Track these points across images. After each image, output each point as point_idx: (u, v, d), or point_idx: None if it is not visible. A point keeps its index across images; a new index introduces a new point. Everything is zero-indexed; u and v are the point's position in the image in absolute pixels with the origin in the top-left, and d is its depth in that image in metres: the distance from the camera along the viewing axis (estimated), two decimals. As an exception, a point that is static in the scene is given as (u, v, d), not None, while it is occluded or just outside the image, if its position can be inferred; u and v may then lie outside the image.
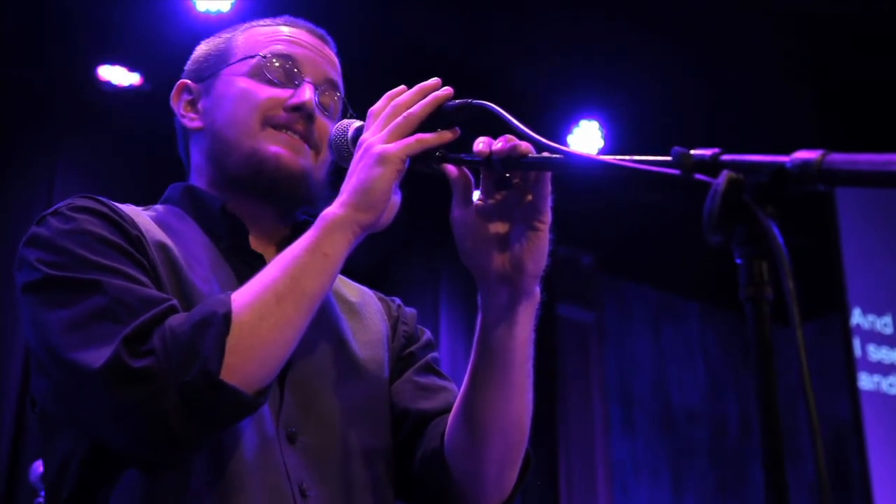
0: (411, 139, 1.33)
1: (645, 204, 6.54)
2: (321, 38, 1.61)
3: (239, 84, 1.52)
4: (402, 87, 1.39)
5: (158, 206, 1.54)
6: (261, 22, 1.62)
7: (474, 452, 1.44)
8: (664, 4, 5.33)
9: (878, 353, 6.62)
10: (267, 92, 1.51)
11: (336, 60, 1.61)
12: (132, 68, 5.14)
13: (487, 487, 1.46)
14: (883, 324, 6.71)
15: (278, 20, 1.62)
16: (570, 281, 6.71)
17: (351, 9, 4.91)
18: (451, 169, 1.37)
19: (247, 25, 1.62)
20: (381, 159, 1.31)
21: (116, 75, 5.15)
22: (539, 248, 1.37)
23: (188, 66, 1.64)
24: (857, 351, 6.51)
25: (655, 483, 7.36)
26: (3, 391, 4.75)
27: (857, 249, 6.60)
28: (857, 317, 6.59)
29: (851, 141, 5.79)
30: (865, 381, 6.48)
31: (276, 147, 1.48)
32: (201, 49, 1.64)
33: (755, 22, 5.50)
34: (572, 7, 5.25)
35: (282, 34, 1.58)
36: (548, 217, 1.37)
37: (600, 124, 5.90)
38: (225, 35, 1.62)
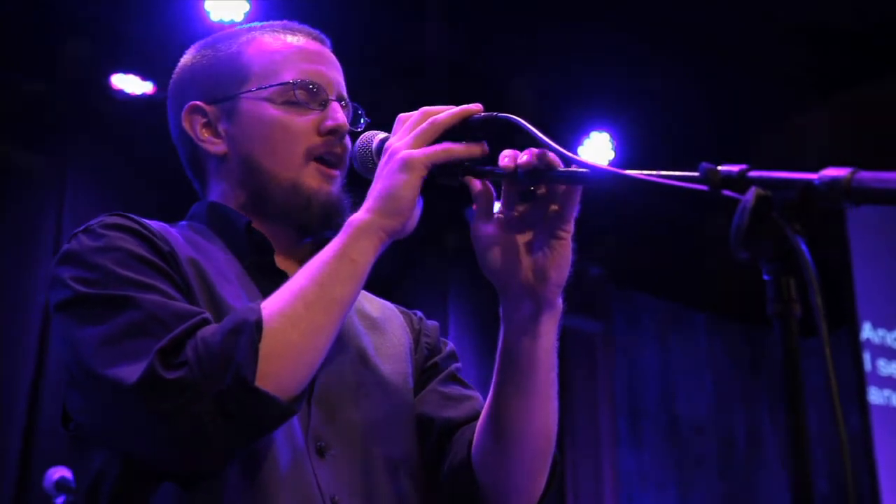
0: (438, 147, 1.33)
1: (653, 215, 6.53)
2: (322, 41, 1.60)
3: (268, 111, 1.50)
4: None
5: (183, 223, 1.54)
6: (262, 29, 1.59)
7: (502, 461, 1.44)
8: (673, 14, 5.33)
9: (888, 368, 6.60)
10: (300, 119, 1.50)
11: (337, 61, 1.60)
12: (145, 77, 5.13)
13: (516, 496, 1.47)
14: (893, 338, 6.68)
15: (276, 26, 1.59)
16: (577, 292, 6.69)
17: (360, 19, 4.93)
18: (475, 182, 1.37)
19: (246, 34, 1.58)
20: (406, 165, 1.32)
21: (129, 84, 5.14)
22: (563, 258, 1.38)
23: (187, 76, 1.59)
24: (868, 365, 6.49)
25: (662, 495, 7.34)
26: (13, 399, 4.75)
27: (867, 263, 6.58)
28: (867, 331, 6.57)
29: (860, 149, 5.80)
30: (875, 396, 6.45)
31: (320, 183, 1.49)
32: (198, 61, 1.59)
33: (765, 32, 5.50)
34: (581, 18, 5.26)
35: (294, 47, 1.55)
36: (571, 227, 1.37)
37: (611, 136, 5.90)
38: (226, 48, 1.57)
